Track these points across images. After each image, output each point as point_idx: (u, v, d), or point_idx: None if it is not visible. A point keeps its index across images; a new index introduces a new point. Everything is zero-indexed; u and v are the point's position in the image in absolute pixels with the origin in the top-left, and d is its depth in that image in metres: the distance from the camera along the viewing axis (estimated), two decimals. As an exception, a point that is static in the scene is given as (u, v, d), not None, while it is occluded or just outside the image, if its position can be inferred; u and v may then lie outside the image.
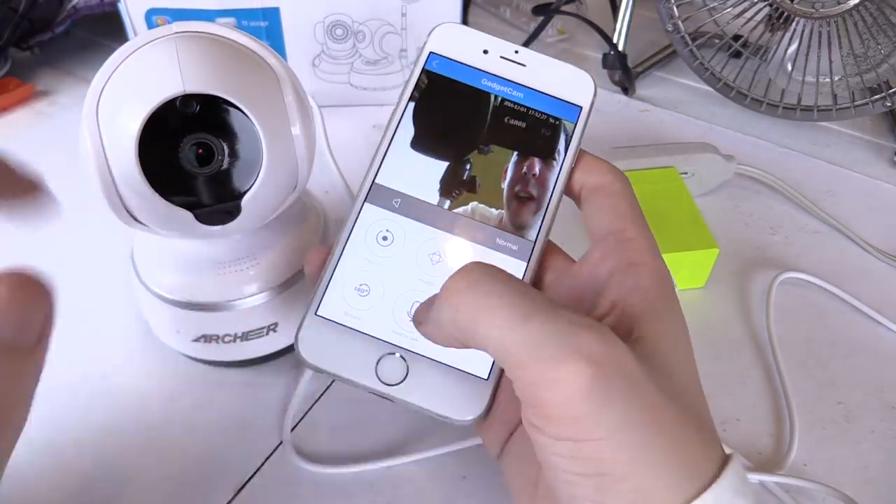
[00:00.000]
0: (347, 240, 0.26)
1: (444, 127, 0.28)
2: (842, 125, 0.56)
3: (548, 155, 0.27)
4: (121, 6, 0.49)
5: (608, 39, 0.58)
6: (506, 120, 0.28)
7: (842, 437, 0.34)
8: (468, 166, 0.27)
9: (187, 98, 0.26)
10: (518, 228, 0.27)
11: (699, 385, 0.22)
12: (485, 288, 0.20)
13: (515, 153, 0.27)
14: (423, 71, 0.28)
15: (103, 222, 0.42)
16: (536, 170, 0.27)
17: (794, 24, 0.50)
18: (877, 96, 0.50)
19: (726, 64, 0.53)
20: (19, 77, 0.58)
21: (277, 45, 0.52)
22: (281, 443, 0.34)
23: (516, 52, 0.28)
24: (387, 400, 0.25)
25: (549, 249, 0.27)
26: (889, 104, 0.49)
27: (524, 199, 0.27)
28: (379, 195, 0.27)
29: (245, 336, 0.33)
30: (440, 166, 0.27)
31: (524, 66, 0.28)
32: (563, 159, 0.27)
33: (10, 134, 0.54)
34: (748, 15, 0.51)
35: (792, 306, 0.41)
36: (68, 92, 0.58)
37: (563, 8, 0.61)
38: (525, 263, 0.26)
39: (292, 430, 0.34)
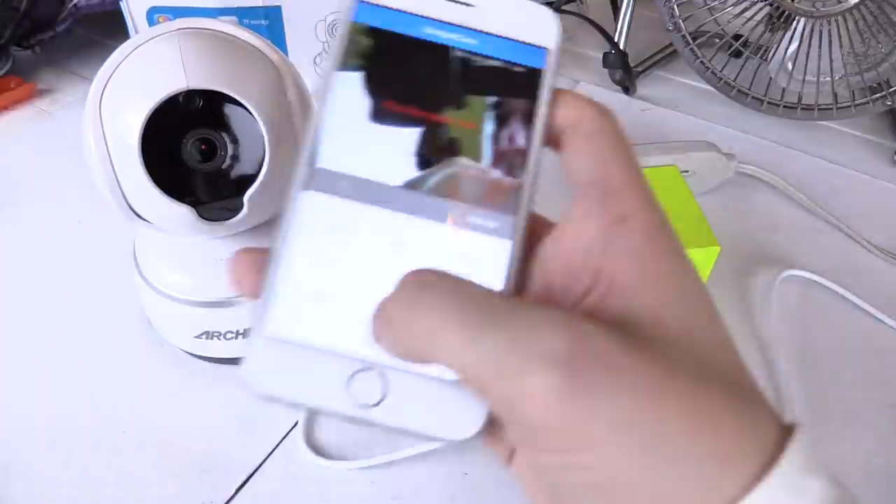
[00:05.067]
0: (287, 239, 0.21)
1: (403, 88, 0.23)
2: (842, 124, 0.56)
3: (519, 108, 0.23)
4: (122, 4, 0.49)
5: (609, 39, 0.58)
6: (467, 72, 0.23)
7: (843, 435, 0.34)
8: (445, 127, 0.23)
9: (190, 94, 0.26)
10: (509, 189, 0.22)
11: (732, 353, 0.19)
12: (424, 307, 0.17)
13: (496, 103, 0.23)
14: (352, 24, 0.23)
15: (106, 218, 0.42)
16: (517, 123, 0.23)
17: (794, 23, 0.50)
18: (877, 95, 0.50)
19: (727, 63, 0.53)
20: (21, 76, 0.58)
21: (279, 43, 0.52)
22: (282, 441, 0.34)
23: None
24: (366, 425, 0.21)
25: (533, 217, 0.23)
26: (889, 103, 0.49)
27: (511, 154, 0.23)
28: (320, 181, 0.22)
29: (247, 333, 0.33)
30: (411, 134, 0.23)
31: (472, 6, 0.24)
32: (536, 112, 0.23)
33: (12, 132, 0.54)
34: (749, 14, 0.51)
35: (793, 304, 0.41)
36: (70, 90, 0.58)
37: (564, 7, 0.61)
38: (510, 241, 0.22)
39: (295, 425, 0.34)
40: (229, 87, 0.26)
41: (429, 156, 0.23)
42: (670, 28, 0.53)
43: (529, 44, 0.24)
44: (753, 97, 0.53)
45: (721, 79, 0.54)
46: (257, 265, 0.20)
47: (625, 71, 0.58)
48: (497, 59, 0.23)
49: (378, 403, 0.20)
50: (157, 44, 0.27)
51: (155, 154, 0.26)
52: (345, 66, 0.23)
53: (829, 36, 0.49)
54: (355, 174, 0.22)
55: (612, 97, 0.59)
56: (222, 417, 0.35)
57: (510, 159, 0.23)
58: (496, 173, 0.22)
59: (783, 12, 0.50)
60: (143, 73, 0.27)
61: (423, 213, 0.22)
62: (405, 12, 0.23)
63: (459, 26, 0.23)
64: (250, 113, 0.27)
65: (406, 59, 0.23)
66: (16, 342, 0.38)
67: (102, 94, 0.27)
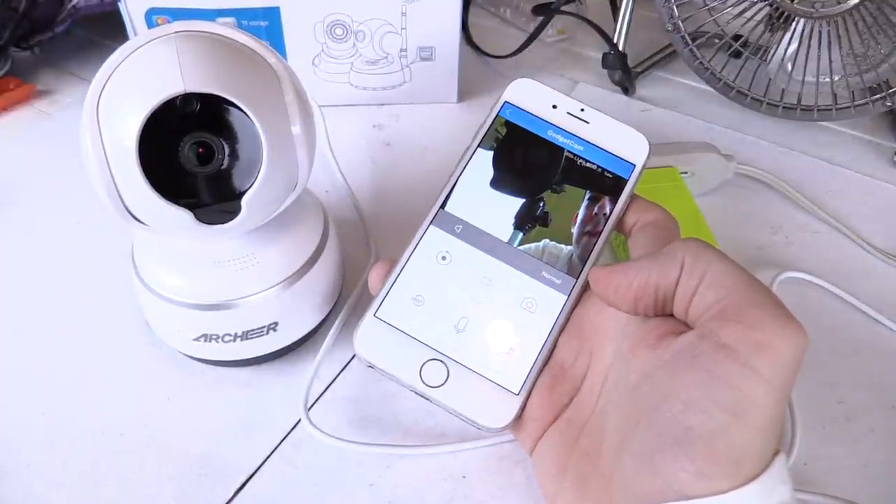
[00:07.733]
0: (411, 256, 0.29)
1: (520, 169, 0.31)
2: (842, 125, 0.56)
3: (603, 203, 0.30)
4: (121, 6, 0.49)
5: (608, 39, 0.58)
6: (570, 168, 0.30)
7: (842, 437, 0.34)
8: (542, 204, 0.30)
9: (187, 97, 0.26)
10: (582, 262, 0.29)
11: None
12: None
13: (586, 196, 0.30)
14: (497, 117, 0.31)
15: (104, 221, 0.42)
16: (606, 210, 0.30)
17: (794, 23, 0.50)
18: (877, 96, 0.50)
19: (726, 64, 0.53)
20: (20, 77, 0.58)
21: (277, 44, 0.52)
22: (280, 444, 0.34)
23: (582, 109, 0.31)
24: (424, 399, 0.28)
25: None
26: (889, 104, 0.49)
27: (592, 238, 0.30)
28: (444, 221, 0.30)
29: (245, 335, 0.33)
30: (516, 203, 0.30)
31: (588, 122, 0.31)
32: (614, 208, 0.30)
33: (11, 133, 0.54)
34: (748, 15, 0.51)
35: (792, 306, 0.40)
36: (68, 91, 0.58)
37: (563, 8, 0.61)
38: (565, 297, 0.29)
39: (293, 428, 0.34)
40: (226, 91, 0.26)
41: (526, 221, 0.30)
42: (670, 29, 0.53)
43: (622, 158, 0.31)
44: (753, 98, 0.53)
45: (720, 79, 0.54)
46: (385, 271, 0.29)
47: (624, 71, 0.58)
48: (595, 164, 0.30)
49: (439, 386, 0.27)
50: (153, 47, 0.27)
51: (152, 157, 0.26)
52: (484, 145, 0.31)
53: (829, 37, 0.49)
54: (470, 221, 0.30)
55: (612, 98, 0.59)
56: (221, 420, 0.35)
57: (585, 238, 0.30)
58: (572, 247, 0.30)
59: (783, 13, 0.50)
60: (140, 76, 0.27)
61: (511, 262, 0.29)
62: (538, 117, 0.31)
63: (574, 135, 0.31)
64: (248, 116, 0.27)
65: (528, 149, 0.31)
66: (14, 343, 0.38)
67: (99, 98, 0.27)
